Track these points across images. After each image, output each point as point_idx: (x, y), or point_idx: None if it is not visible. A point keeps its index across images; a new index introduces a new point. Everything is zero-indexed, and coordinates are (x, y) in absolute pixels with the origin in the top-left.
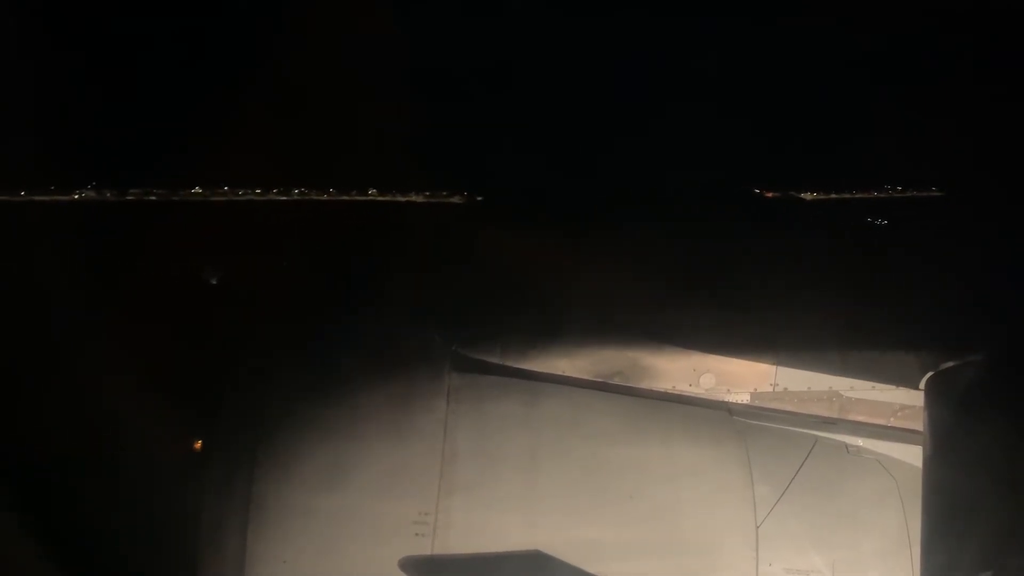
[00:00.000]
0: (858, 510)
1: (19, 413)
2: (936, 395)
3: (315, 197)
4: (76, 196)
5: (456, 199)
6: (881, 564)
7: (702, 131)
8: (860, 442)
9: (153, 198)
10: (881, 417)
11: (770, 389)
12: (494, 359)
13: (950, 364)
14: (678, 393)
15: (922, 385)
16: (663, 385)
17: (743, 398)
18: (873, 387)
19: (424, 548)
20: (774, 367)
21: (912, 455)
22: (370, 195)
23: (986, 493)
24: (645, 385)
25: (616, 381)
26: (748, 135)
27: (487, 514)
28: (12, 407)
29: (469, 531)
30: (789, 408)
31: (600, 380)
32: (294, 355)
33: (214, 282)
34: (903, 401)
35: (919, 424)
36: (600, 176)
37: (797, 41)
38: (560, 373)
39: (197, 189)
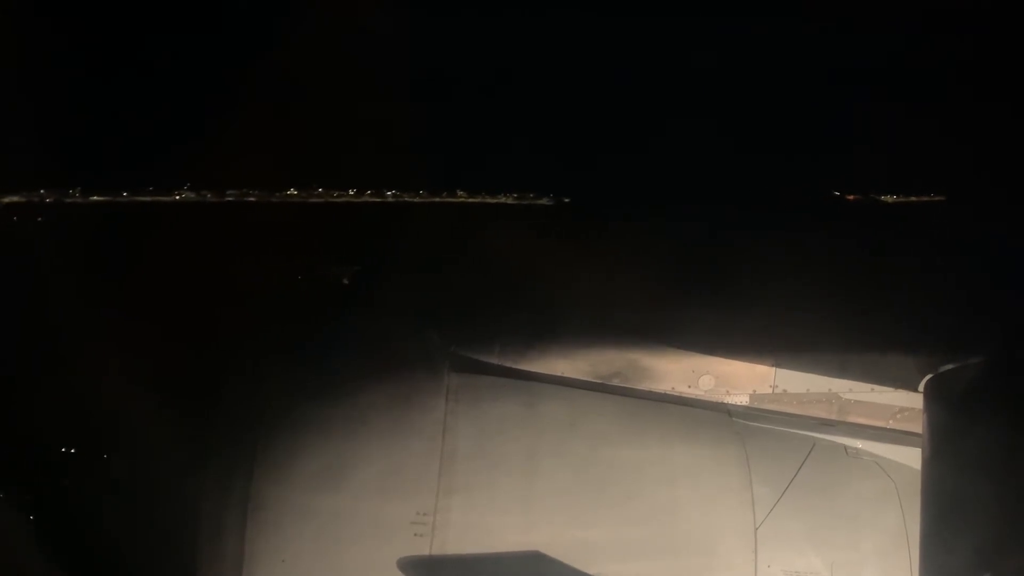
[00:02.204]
0: (857, 512)
1: (16, 413)
2: (935, 397)
3: (408, 199)
4: (176, 197)
5: (545, 201)
6: (880, 566)
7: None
8: (859, 444)
9: (252, 199)
10: (880, 419)
11: (769, 391)
12: (493, 359)
13: (949, 366)
14: (677, 394)
15: (921, 387)
16: (662, 386)
17: (742, 400)
18: (872, 389)
19: (423, 548)
20: (773, 369)
21: (911, 457)
22: (460, 197)
23: (984, 495)
24: (644, 386)
25: (615, 382)
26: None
27: (486, 514)
28: (8, 407)
29: (468, 531)
30: (788, 410)
31: (599, 381)
32: (294, 354)
33: (346, 282)
34: (902, 403)
35: (918, 426)
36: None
37: (794, 45)
38: (559, 374)
39: (292, 191)
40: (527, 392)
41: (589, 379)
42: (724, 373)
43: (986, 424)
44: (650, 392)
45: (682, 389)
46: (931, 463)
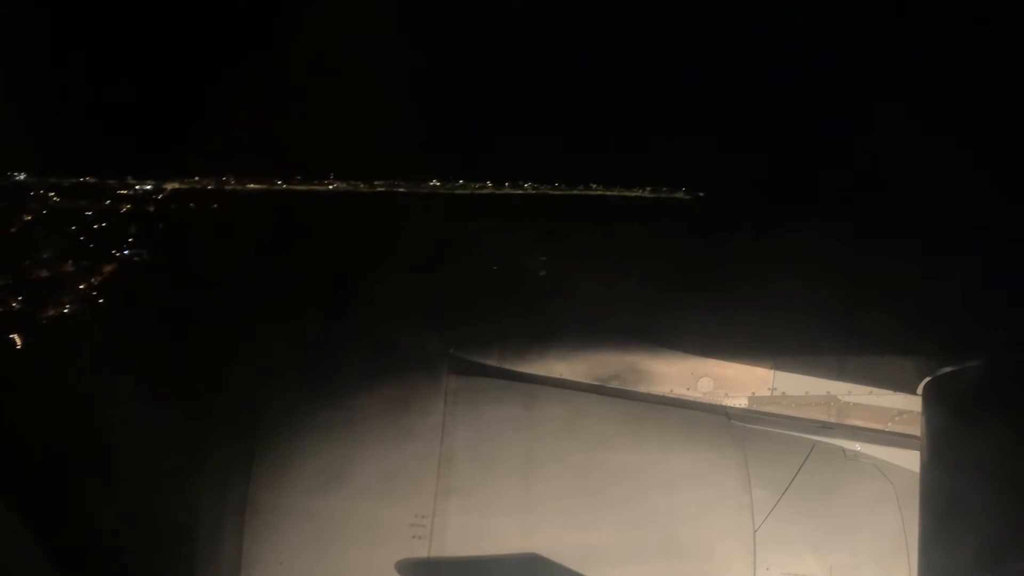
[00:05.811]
0: (855, 515)
1: (16, 414)
2: (933, 400)
3: (548, 191)
4: (330, 186)
5: (680, 195)
6: (878, 568)
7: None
8: (857, 447)
9: (401, 189)
10: (879, 422)
11: (768, 393)
12: (492, 362)
13: (948, 369)
14: (676, 397)
15: (919, 390)
16: (661, 389)
17: (741, 402)
18: (871, 392)
19: (421, 551)
20: (772, 371)
21: (909, 460)
22: (594, 190)
23: (983, 498)
24: (643, 389)
25: (614, 385)
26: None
27: (484, 517)
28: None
29: (466, 534)
30: (787, 412)
31: (598, 383)
32: (292, 356)
33: (542, 274)
34: (900, 406)
35: (916, 429)
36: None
37: (788, 44)
38: (558, 376)
39: (436, 183)
40: (526, 394)
41: (588, 381)
42: (723, 375)
43: (985, 427)
44: (649, 394)
45: (681, 391)
46: (930, 466)
